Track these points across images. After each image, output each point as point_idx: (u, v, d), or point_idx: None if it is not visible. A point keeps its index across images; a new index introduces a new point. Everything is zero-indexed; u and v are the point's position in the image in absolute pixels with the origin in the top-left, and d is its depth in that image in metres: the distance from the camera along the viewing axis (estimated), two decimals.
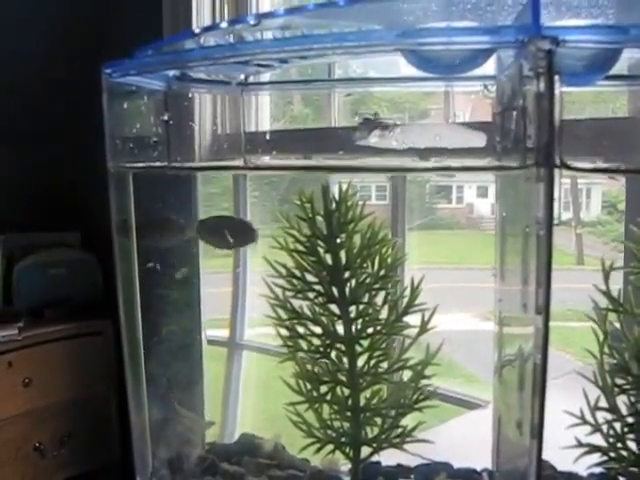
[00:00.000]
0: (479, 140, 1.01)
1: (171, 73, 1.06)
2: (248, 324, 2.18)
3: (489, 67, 0.88)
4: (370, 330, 1.01)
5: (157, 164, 1.10)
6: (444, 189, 2.30)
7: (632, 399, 0.93)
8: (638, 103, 1.22)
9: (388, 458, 1.06)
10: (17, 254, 2.84)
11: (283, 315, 1.02)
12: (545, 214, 0.67)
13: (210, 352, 1.58)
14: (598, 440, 0.94)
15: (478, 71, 0.87)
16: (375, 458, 1.04)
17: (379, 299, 1.01)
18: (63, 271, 2.88)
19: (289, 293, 1.02)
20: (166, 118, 1.10)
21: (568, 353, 1.40)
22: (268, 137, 1.51)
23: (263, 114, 2.30)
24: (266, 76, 1.20)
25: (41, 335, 2.64)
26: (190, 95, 1.20)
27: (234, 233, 1.17)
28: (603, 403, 0.94)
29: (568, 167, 0.70)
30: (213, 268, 1.61)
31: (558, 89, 0.67)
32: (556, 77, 0.66)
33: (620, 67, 0.92)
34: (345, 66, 1.37)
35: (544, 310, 0.68)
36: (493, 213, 1.05)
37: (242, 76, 1.16)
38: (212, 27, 1.24)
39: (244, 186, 1.94)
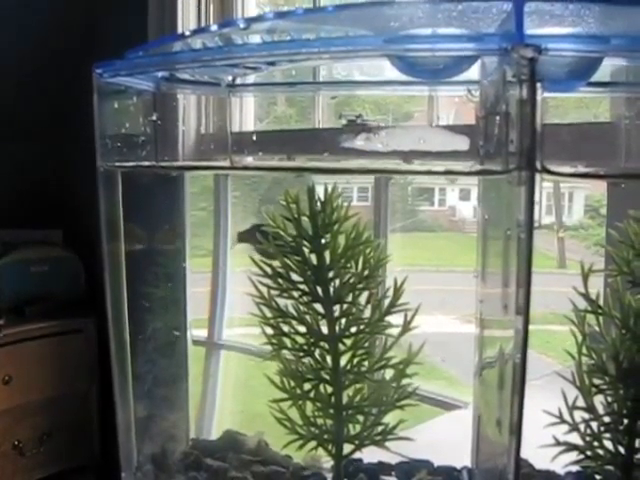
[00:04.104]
0: (462, 143, 1.03)
1: (160, 74, 1.06)
2: (227, 324, 2.18)
3: (473, 72, 0.90)
4: (353, 329, 1.02)
5: (146, 163, 1.11)
6: (426, 191, 2.31)
7: (609, 399, 0.95)
8: (619, 109, 1.24)
9: (370, 455, 1.07)
10: None
11: (268, 314, 1.03)
12: (526, 217, 0.69)
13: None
14: (575, 439, 0.96)
15: (462, 76, 0.89)
16: (357, 455, 1.05)
17: (362, 299, 1.02)
18: (45, 269, 2.88)
19: (274, 292, 1.03)
20: (154, 118, 1.11)
21: (549, 357, 1.41)
22: (254, 138, 1.52)
23: (248, 114, 2.31)
24: (252, 77, 1.21)
25: (22, 332, 2.64)
26: (178, 95, 1.21)
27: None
28: (581, 403, 0.96)
29: (549, 171, 0.71)
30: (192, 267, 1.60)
31: (540, 95, 0.68)
32: (538, 84, 0.68)
33: (603, 73, 0.94)
34: (330, 67, 1.38)
35: (524, 310, 0.69)
36: (475, 216, 1.06)
37: (229, 77, 1.17)
38: (202, 30, 1.25)
39: (225, 186, 1.95)
